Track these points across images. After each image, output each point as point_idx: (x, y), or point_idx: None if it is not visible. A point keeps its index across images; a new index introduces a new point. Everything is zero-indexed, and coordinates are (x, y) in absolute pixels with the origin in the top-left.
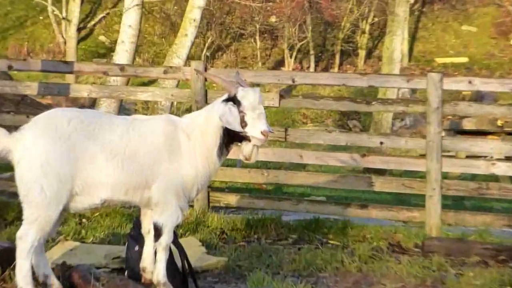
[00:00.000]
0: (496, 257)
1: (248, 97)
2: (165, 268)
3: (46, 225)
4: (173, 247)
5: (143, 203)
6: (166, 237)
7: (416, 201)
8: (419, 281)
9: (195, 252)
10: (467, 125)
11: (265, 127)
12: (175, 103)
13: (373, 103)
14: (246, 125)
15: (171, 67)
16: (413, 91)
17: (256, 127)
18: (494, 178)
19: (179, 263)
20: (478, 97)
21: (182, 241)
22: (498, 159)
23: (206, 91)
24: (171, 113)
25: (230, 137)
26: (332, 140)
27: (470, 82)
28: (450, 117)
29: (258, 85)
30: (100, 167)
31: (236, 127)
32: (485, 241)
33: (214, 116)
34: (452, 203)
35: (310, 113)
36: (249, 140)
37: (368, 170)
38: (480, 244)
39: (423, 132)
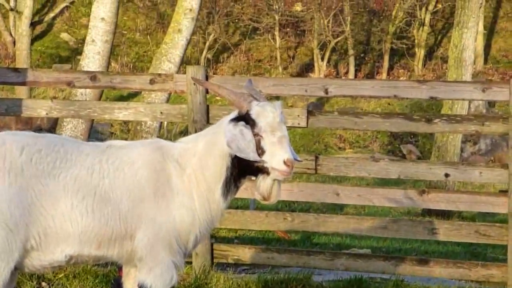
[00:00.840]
0: None
1: (266, 114)
2: None
3: None
4: None
5: (124, 258)
6: None
7: (495, 254)
8: None
9: None
10: None
11: (289, 154)
12: (165, 124)
13: (436, 120)
14: (263, 152)
15: (159, 74)
16: (491, 104)
17: (277, 155)
18: None
19: None
20: None
21: None
22: None
23: (207, 107)
24: (160, 137)
25: (241, 169)
26: (380, 171)
27: None
28: None
29: (278, 98)
30: (63, 212)
31: (251, 155)
32: None
33: (219, 141)
34: None
35: (349, 135)
36: (268, 173)
37: (429, 212)
38: None
39: (504, 159)
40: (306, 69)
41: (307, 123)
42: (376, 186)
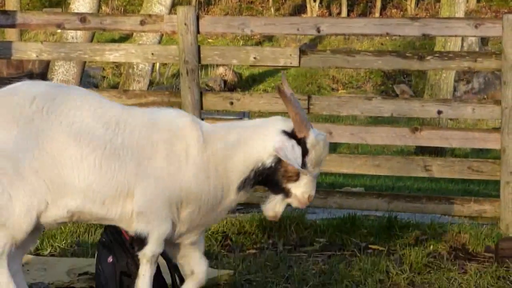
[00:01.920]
0: None
1: (319, 149)
2: (150, 286)
3: (17, 232)
4: (160, 259)
5: (124, 221)
6: (153, 247)
7: (487, 191)
8: None
9: None
10: None
11: (314, 191)
12: (157, 67)
13: (428, 58)
14: (297, 179)
15: (150, 15)
16: (484, 42)
17: (306, 188)
18: None
19: (168, 278)
20: None
21: None
22: None
23: (199, 47)
24: (152, 79)
25: (265, 180)
26: (373, 110)
27: None
28: None
29: (271, 38)
30: (72, 162)
31: (297, 164)
32: None
33: (259, 143)
34: None
35: (342, 76)
36: (288, 197)
37: (421, 150)
38: None
39: (497, 97)
40: (298, 10)
41: (299, 62)
42: (369, 125)
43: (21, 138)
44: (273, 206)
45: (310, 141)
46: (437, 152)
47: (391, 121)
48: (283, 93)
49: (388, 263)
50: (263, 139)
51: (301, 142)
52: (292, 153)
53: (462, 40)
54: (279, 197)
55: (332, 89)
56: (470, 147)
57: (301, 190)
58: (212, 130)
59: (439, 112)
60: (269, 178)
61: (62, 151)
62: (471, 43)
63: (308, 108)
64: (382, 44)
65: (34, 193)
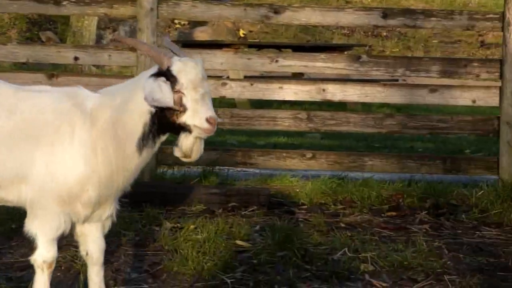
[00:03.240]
0: (226, 204)
1: (188, 71)
2: None
3: None
4: None
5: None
6: (43, 251)
7: None
8: (123, 240)
9: None
10: (200, 36)
11: (211, 112)
12: None
13: (64, 3)
14: (185, 110)
15: None
16: None
17: (199, 113)
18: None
19: None
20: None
21: None
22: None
23: None
24: None
25: (162, 127)
26: (8, 55)
27: None
28: (179, 26)
29: None
30: None
31: (167, 101)
32: (211, 184)
33: (136, 97)
34: None
35: None
36: (190, 131)
37: None
38: (205, 189)
39: None
40: None
41: None
42: (8, 71)
43: None
44: (180, 146)
45: (174, 69)
46: None
47: (39, 69)
48: (120, 39)
49: None
50: (139, 92)
51: (168, 75)
52: (159, 92)
53: None
54: (182, 136)
55: None
56: None
57: (196, 117)
58: (99, 101)
59: (76, 58)
60: (162, 123)
61: None
62: None
63: None
64: None
65: None
